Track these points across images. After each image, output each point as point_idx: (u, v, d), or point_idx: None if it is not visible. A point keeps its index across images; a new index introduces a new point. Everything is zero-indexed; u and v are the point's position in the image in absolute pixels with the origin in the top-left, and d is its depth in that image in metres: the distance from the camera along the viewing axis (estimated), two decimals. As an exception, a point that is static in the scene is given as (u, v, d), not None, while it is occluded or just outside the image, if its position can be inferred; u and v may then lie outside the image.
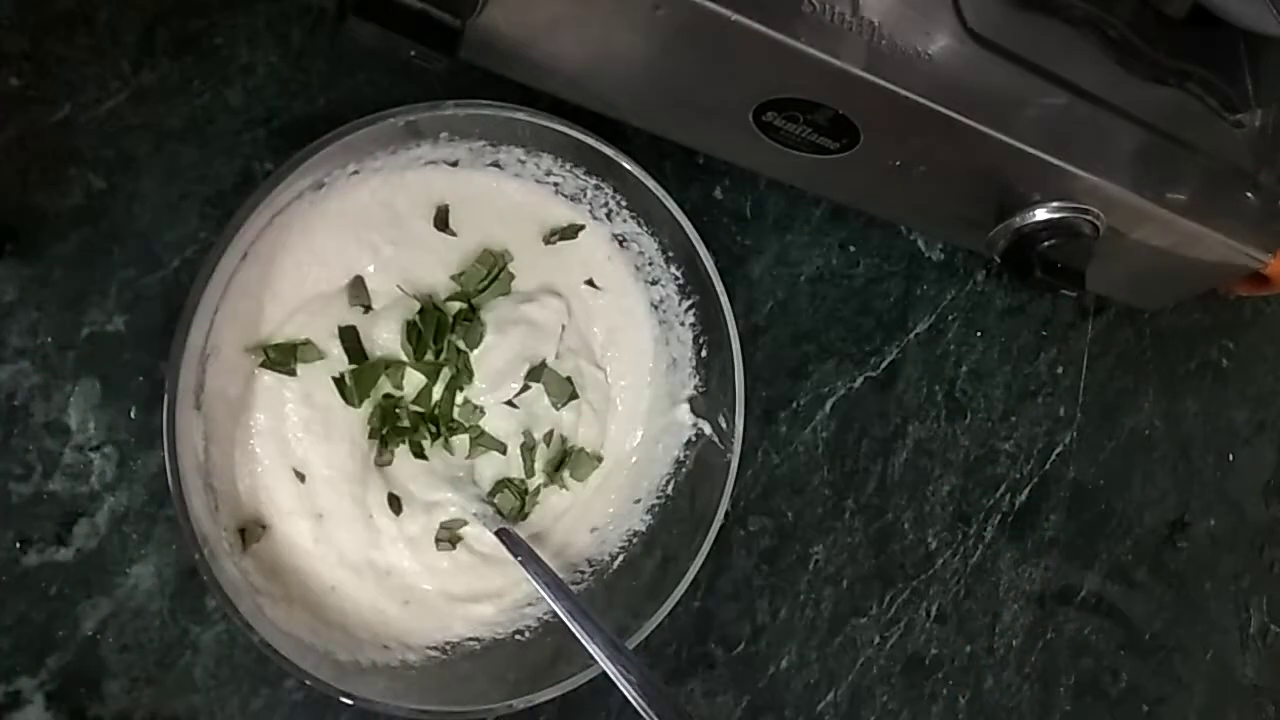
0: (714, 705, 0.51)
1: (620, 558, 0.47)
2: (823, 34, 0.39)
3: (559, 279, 0.47)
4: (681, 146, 0.49)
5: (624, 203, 0.46)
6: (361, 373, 0.42)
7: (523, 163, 0.45)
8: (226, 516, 0.40)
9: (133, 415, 0.41)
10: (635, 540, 0.47)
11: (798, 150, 0.45)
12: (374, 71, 0.45)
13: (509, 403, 0.45)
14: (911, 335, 0.58)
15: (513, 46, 0.40)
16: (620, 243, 0.48)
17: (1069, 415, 0.62)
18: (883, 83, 0.41)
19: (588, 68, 0.42)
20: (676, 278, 0.47)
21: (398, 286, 0.43)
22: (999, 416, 0.60)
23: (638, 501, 0.48)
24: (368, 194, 0.43)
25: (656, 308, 0.49)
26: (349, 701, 0.37)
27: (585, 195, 0.46)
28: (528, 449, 0.46)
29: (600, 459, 0.48)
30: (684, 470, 0.48)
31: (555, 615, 0.40)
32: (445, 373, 0.44)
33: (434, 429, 0.44)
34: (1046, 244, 0.47)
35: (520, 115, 0.40)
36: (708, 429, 0.47)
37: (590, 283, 0.48)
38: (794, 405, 0.54)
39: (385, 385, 0.43)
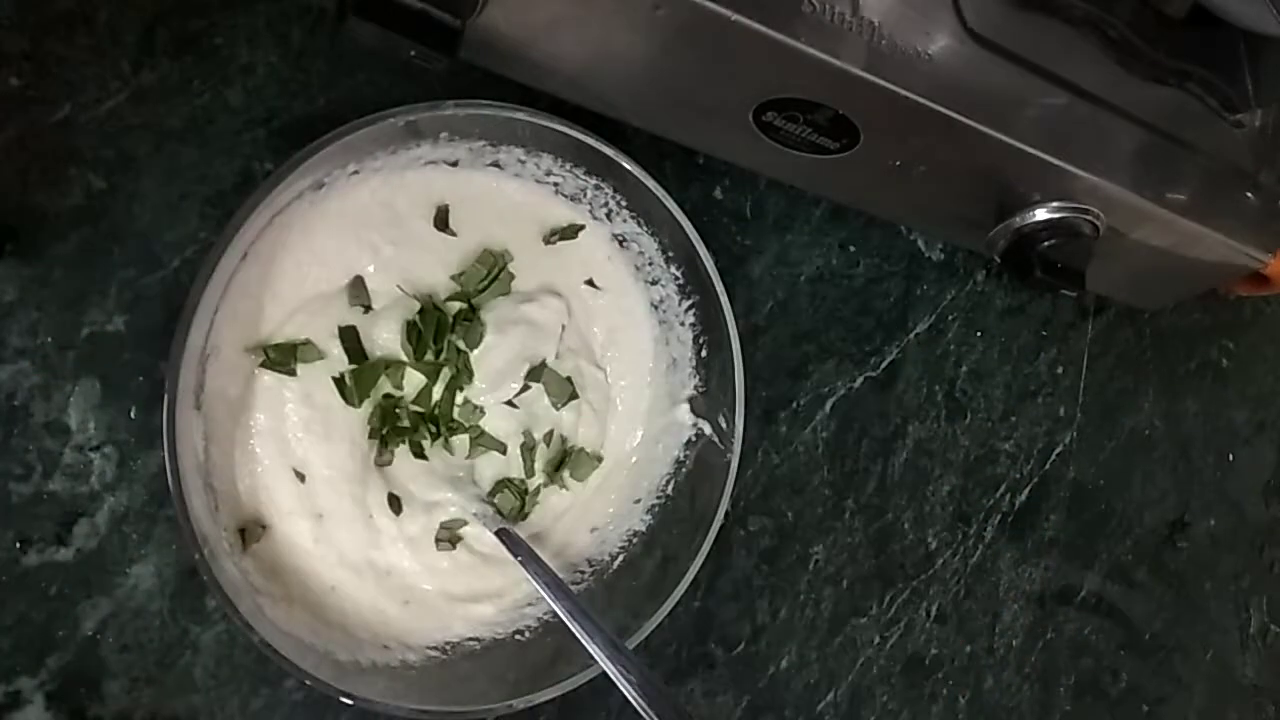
0: (714, 705, 0.51)
1: (620, 558, 0.47)
2: (823, 34, 0.39)
3: (559, 279, 0.47)
4: (681, 146, 0.49)
5: (624, 203, 0.46)
6: (361, 373, 0.42)
7: (523, 163, 0.45)
8: (226, 516, 0.40)
9: (133, 415, 0.41)
10: (635, 540, 0.47)
11: (798, 150, 0.45)
12: (374, 71, 0.45)
13: (509, 403, 0.45)
14: (911, 335, 0.58)
15: (513, 46, 0.40)
16: (620, 243, 0.48)
17: (1069, 415, 0.62)
18: (883, 83, 0.41)
19: (588, 68, 0.42)
20: (676, 278, 0.47)
21: (398, 286, 0.43)
22: (999, 416, 0.60)
23: (638, 501, 0.48)
24: (368, 194, 0.43)
25: (656, 308, 0.49)
26: (349, 701, 0.37)
27: (585, 195, 0.46)
28: (528, 449, 0.46)
29: (600, 459, 0.48)
30: (684, 470, 0.48)
31: (555, 615, 0.40)
32: (445, 373, 0.44)
33: (434, 429, 0.44)
34: (1046, 244, 0.47)
35: (520, 115, 0.40)
36: (708, 429, 0.47)
37: (590, 283, 0.48)
38: (794, 405, 0.54)
39: (385, 385, 0.43)
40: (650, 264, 0.48)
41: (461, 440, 0.45)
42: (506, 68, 0.42)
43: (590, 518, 0.48)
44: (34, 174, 0.40)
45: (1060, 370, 0.62)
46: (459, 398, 0.44)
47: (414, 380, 0.44)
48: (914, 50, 0.41)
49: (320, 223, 0.42)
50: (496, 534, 0.43)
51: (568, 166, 0.45)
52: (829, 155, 0.45)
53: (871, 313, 0.57)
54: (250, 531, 0.40)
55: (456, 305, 0.44)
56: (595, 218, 0.47)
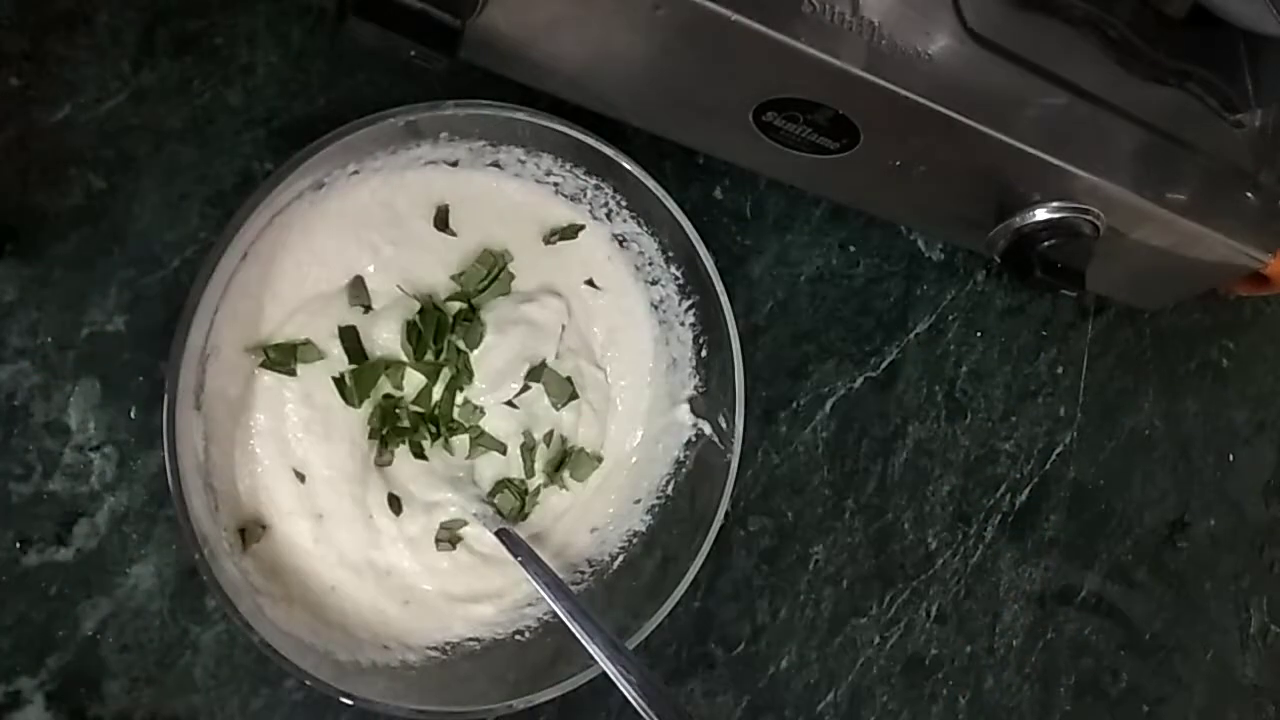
0: (714, 705, 0.51)
1: (620, 558, 0.47)
2: (823, 34, 0.39)
3: (559, 279, 0.47)
4: (681, 146, 0.49)
5: (624, 203, 0.46)
6: (361, 373, 0.42)
7: (523, 163, 0.45)
8: (226, 516, 0.40)
9: (133, 415, 0.41)
10: (635, 540, 0.47)
11: (798, 150, 0.45)
12: (374, 71, 0.45)
13: (509, 403, 0.45)
14: (911, 335, 0.58)
15: (513, 46, 0.40)
16: (620, 243, 0.48)
17: (1069, 415, 0.62)
18: (883, 83, 0.41)
19: (588, 68, 0.42)
20: (676, 278, 0.47)
21: (398, 286, 0.43)
22: (999, 416, 0.60)
23: (638, 501, 0.48)
24: (368, 194, 0.43)
25: (656, 308, 0.49)
26: (349, 701, 0.37)
27: (585, 195, 0.46)
28: (528, 449, 0.46)
29: (600, 459, 0.48)
30: (684, 470, 0.48)
31: (555, 615, 0.40)
32: (445, 373, 0.44)
33: (434, 429, 0.44)
34: (1046, 244, 0.47)
35: (520, 115, 0.40)
36: (708, 429, 0.47)
37: (590, 283, 0.48)
38: (794, 405, 0.54)
39: (385, 385, 0.43)
40: (650, 264, 0.48)
41: (461, 440, 0.45)
42: (506, 68, 0.42)
43: (590, 518, 0.48)
44: (34, 174, 0.40)
45: (1060, 370, 0.62)
46: (459, 398, 0.44)
47: (414, 380, 0.44)
48: (914, 50, 0.41)
49: (320, 223, 0.42)
50: (496, 534, 0.43)
51: (568, 166, 0.45)
52: (829, 155, 0.45)
53: (871, 313, 0.57)
54: (250, 531, 0.40)
55: (456, 305, 0.44)
56: (595, 218, 0.47)
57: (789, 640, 0.53)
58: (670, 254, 0.47)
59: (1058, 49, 0.45)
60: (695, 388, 0.48)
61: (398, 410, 0.43)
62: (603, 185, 0.45)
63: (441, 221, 0.44)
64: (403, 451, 0.44)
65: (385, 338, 0.43)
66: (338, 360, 0.42)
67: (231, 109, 0.43)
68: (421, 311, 0.43)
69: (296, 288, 0.42)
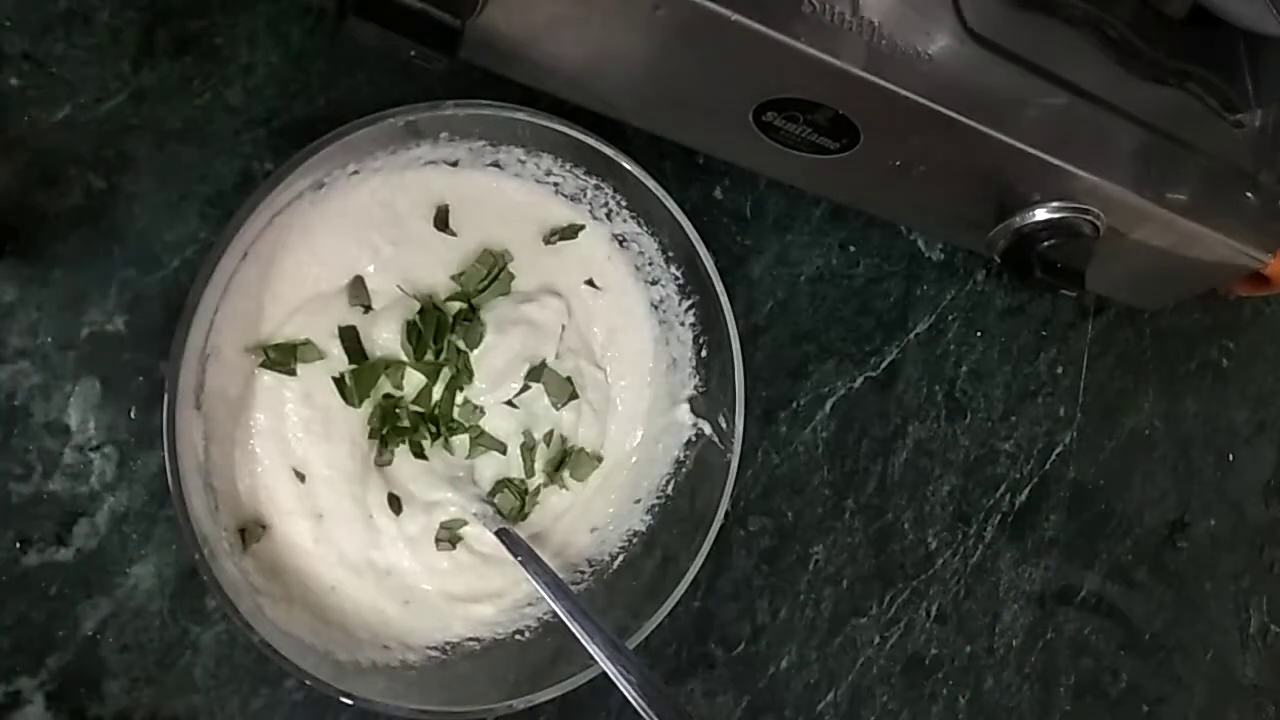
0: (714, 705, 0.51)
1: (620, 558, 0.47)
2: (823, 34, 0.39)
3: (559, 279, 0.47)
4: (681, 146, 0.49)
5: (624, 203, 0.46)
6: (361, 373, 0.42)
7: (523, 163, 0.45)
8: (226, 516, 0.40)
9: (133, 415, 0.41)
10: (635, 540, 0.47)
11: (798, 150, 0.45)
12: (374, 71, 0.45)
13: (509, 403, 0.45)
14: (911, 335, 0.58)
15: (513, 46, 0.40)
16: (620, 243, 0.48)
17: (1069, 415, 0.62)
18: (883, 83, 0.41)
19: (588, 68, 0.42)
20: (676, 278, 0.47)
21: (398, 286, 0.43)
22: (999, 416, 0.60)
23: (638, 501, 0.48)
24: (368, 194, 0.43)
25: (656, 308, 0.49)
26: (349, 701, 0.37)
27: (585, 195, 0.46)
28: (528, 449, 0.46)
29: (600, 459, 0.48)
30: (684, 470, 0.48)
31: (555, 615, 0.40)
32: (445, 373, 0.44)
33: (434, 429, 0.44)
34: (1046, 244, 0.47)
35: (520, 115, 0.40)
36: (708, 429, 0.47)
37: (590, 283, 0.48)
38: (794, 405, 0.54)
39: (385, 385, 0.43)
40: (650, 264, 0.48)
41: (461, 440, 0.45)
42: (506, 68, 0.42)
43: (590, 518, 0.48)
44: (34, 174, 0.40)
45: (1060, 370, 0.62)
46: (459, 398, 0.44)
47: (414, 380, 0.44)
48: (914, 50, 0.41)
49: (320, 223, 0.42)
50: (496, 534, 0.43)
51: (568, 166, 0.45)
52: (829, 155, 0.45)
53: (871, 313, 0.57)
54: (250, 531, 0.40)
55: (456, 305, 0.44)
56: (595, 218, 0.47)
57: (789, 640, 0.53)
58: (670, 254, 0.47)
59: (1058, 49, 0.45)
60: (695, 388, 0.48)
61: (398, 410, 0.43)
62: (603, 185, 0.45)
63: (441, 221, 0.44)
64: (403, 451, 0.44)
65: (385, 338, 0.43)
66: (338, 360, 0.42)
67: (231, 109, 0.43)
68: (421, 311, 0.43)
69: (296, 288, 0.42)
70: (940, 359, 0.58)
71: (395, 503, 0.43)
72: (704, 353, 0.47)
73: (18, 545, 0.39)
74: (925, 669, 0.57)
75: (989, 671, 0.58)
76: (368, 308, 0.43)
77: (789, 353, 0.54)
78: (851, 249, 0.56)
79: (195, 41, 0.42)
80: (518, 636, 0.45)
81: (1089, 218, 0.47)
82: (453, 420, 0.44)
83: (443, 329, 0.44)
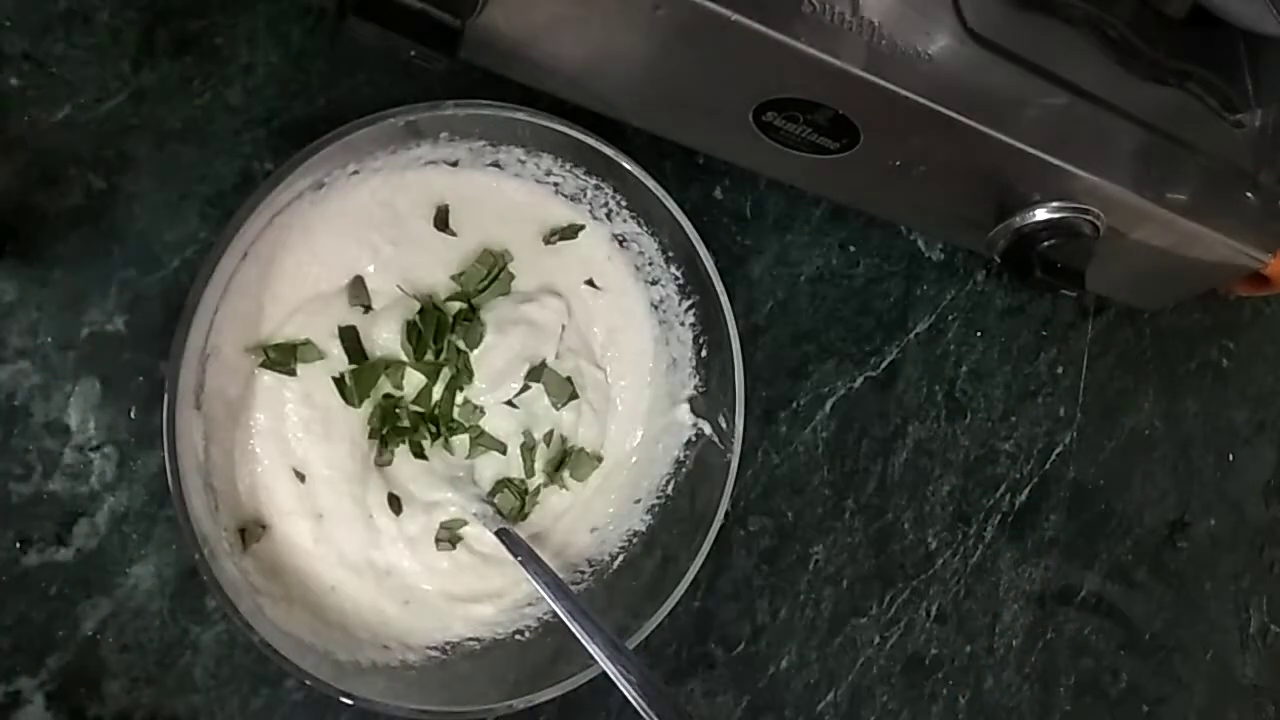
0: (714, 705, 0.51)
1: (620, 558, 0.47)
2: (823, 34, 0.39)
3: (559, 279, 0.47)
4: (681, 146, 0.49)
5: (624, 203, 0.46)
6: (361, 373, 0.42)
7: (523, 163, 0.45)
8: (226, 516, 0.40)
9: (133, 415, 0.41)
10: (635, 540, 0.47)
11: (798, 150, 0.45)
12: (374, 71, 0.45)
13: (509, 403, 0.45)
14: (911, 335, 0.58)
15: (513, 46, 0.40)
16: (620, 243, 0.48)
17: (1069, 415, 0.62)
18: (883, 83, 0.41)
19: (588, 68, 0.42)
20: (676, 278, 0.47)
21: (398, 286, 0.43)
22: (999, 416, 0.60)
23: (638, 501, 0.48)
24: (368, 194, 0.43)
25: (656, 308, 0.49)
26: (349, 701, 0.37)
27: (585, 195, 0.46)
28: (528, 449, 0.46)
29: (600, 459, 0.48)
30: (684, 470, 0.48)
31: (555, 615, 0.40)
32: (445, 373, 0.44)
33: (434, 429, 0.44)
34: (1046, 244, 0.47)
35: (520, 115, 0.40)
36: (708, 429, 0.47)
37: (590, 283, 0.48)
38: (794, 405, 0.54)
39: (385, 385, 0.43)
40: (650, 264, 0.48)
41: (461, 440, 0.45)
42: (506, 68, 0.42)
43: (590, 518, 0.48)
44: (34, 174, 0.40)
45: (1060, 370, 0.62)
46: (459, 398, 0.44)
47: (414, 380, 0.44)
48: (914, 50, 0.41)
49: (320, 223, 0.42)
50: (496, 534, 0.43)
51: (568, 166, 0.45)
52: (829, 155, 0.45)
53: (871, 313, 0.57)
54: (250, 531, 0.40)
55: (456, 305, 0.44)
56: (595, 218, 0.47)
57: (789, 640, 0.53)
58: (670, 254, 0.47)
59: (1058, 49, 0.45)
60: (695, 388, 0.48)
61: (398, 410, 0.43)
62: (603, 185, 0.45)
63: (441, 221, 0.44)
64: (403, 451, 0.44)
65: (385, 338, 0.43)
66: (338, 360, 0.42)
67: (231, 109, 0.43)
68: (421, 311, 0.43)
69: (296, 288, 0.42)
70: (940, 359, 0.58)
71: (395, 503, 0.43)
72: (704, 353, 0.47)
73: (18, 545, 0.39)
74: (925, 669, 0.57)
75: (989, 671, 0.58)
76: (368, 308, 0.43)
77: (789, 353, 0.54)
78: (851, 249, 0.56)
79: (195, 41, 0.42)
80: (518, 636, 0.45)
81: (1089, 218, 0.47)
82: (453, 420, 0.44)
83: (443, 329, 0.44)
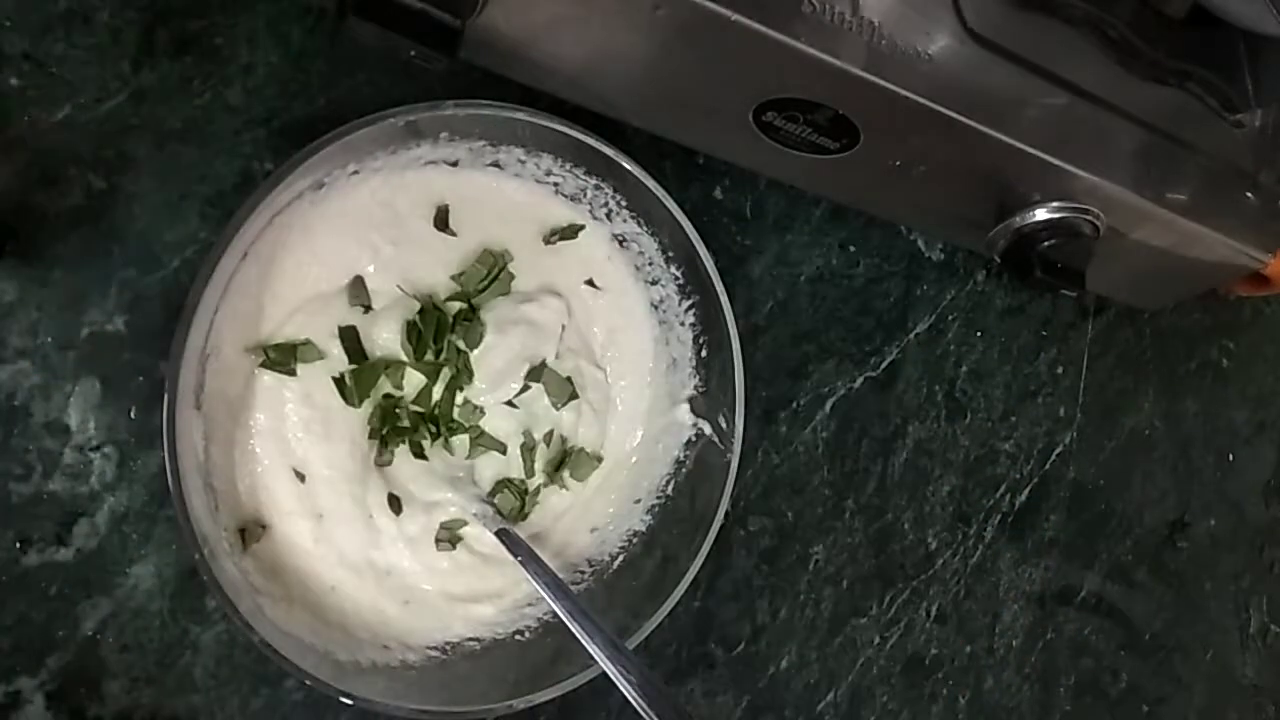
0: (714, 705, 0.51)
1: (620, 558, 0.47)
2: (823, 34, 0.39)
3: (559, 279, 0.47)
4: (681, 146, 0.49)
5: (624, 203, 0.46)
6: (361, 373, 0.42)
7: (523, 163, 0.45)
8: (226, 516, 0.40)
9: (133, 415, 0.41)
10: (635, 540, 0.47)
11: (798, 150, 0.45)
12: (374, 71, 0.45)
13: (509, 403, 0.45)
14: (911, 335, 0.58)
15: (513, 46, 0.40)
16: (620, 243, 0.48)
17: (1069, 415, 0.62)
18: (883, 83, 0.41)
19: (588, 68, 0.42)
20: (676, 278, 0.47)
21: (398, 286, 0.43)
22: (999, 416, 0.60)
23: (638, 501, 0.48)
24: (368, 194, 0.43)
25: (656, 308, 0.49)
26: (349, 701, 0.37)
27: (585, 195, 0.46)
28: (528, 449, 0.46)
29: (600, 459, 0.48)
30: (684, 470, 0.48)
31: (555, 615, 0.40)
32: (445, 373, 0.44)
33: (434, 429, 0.44)
34: (1046, 244, 0.47)
35: (520, 115, 0.40)
36: (708, 429, 0.47)
37: (590, 283, 0.48)
38: (794, 405, 0.54)
39: (385, 385, 0.43)
40: (650, 264, 0.48)
41: (461, 440, 0.45)
42: (506, 68, 0.42)
43: (590, 518, 0.48)
44: (34, 174, 0.40)
45: (1060, 370, 0.62)
46: (459, 398, 0.44)
47: (414, 380, 0.44)
48: (914, 50, 0.41)
49: (320, 223, 0.42)
50: (496, 534, 0.43)
51: (568, 166, 0.45)
52: (829, 155, 0.45)
53: (871, 313, 0.57)
54: (250, 531, 0.40)
55: (456, 305, 0.44)
56: (595, 218, 0.47)
57: (789, 640, 0.53)
58: (670, 254, 0.47)
59: (1058, 49, 0.45)
60: (695, 388, 0.48)
61: (398, 410, 0.43)
62: (603, 185, 0.45)
63: (441, 221, 0.44)
64: (403, 451, 0.44)
65: (385, 338, 0.43)
66: (338, 360, 0.42)
67: (231, 109, 0.43)
68: (421, 311, 0.43)
69: (296, 288, 0.42)
70: (940, 359, 0.58)
71: (395, 503, 0.43)
72: (704, 353, 0.47)
73: (18, 545, 0.39)
74: (925, 669, 0.57)
75: (989, 671, 0.58)
76: (368, 308, 0.43)
77: (789, 353, 0.54)
78: (851, 249, 0.56)
79: (195, 41, 0.42)
80: (518, 636, 0.45)
81: (1089, 218, 0.47)
82: (453, 420, 0.44)
83: (443, 329, 0.44)
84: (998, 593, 0.59)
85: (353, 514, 0.42)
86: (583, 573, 0.47)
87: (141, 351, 0.41)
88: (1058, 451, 0.62)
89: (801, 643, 0.53)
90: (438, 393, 0.44)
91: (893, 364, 0.57)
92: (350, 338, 0.42)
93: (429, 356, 0.44)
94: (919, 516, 0.57)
